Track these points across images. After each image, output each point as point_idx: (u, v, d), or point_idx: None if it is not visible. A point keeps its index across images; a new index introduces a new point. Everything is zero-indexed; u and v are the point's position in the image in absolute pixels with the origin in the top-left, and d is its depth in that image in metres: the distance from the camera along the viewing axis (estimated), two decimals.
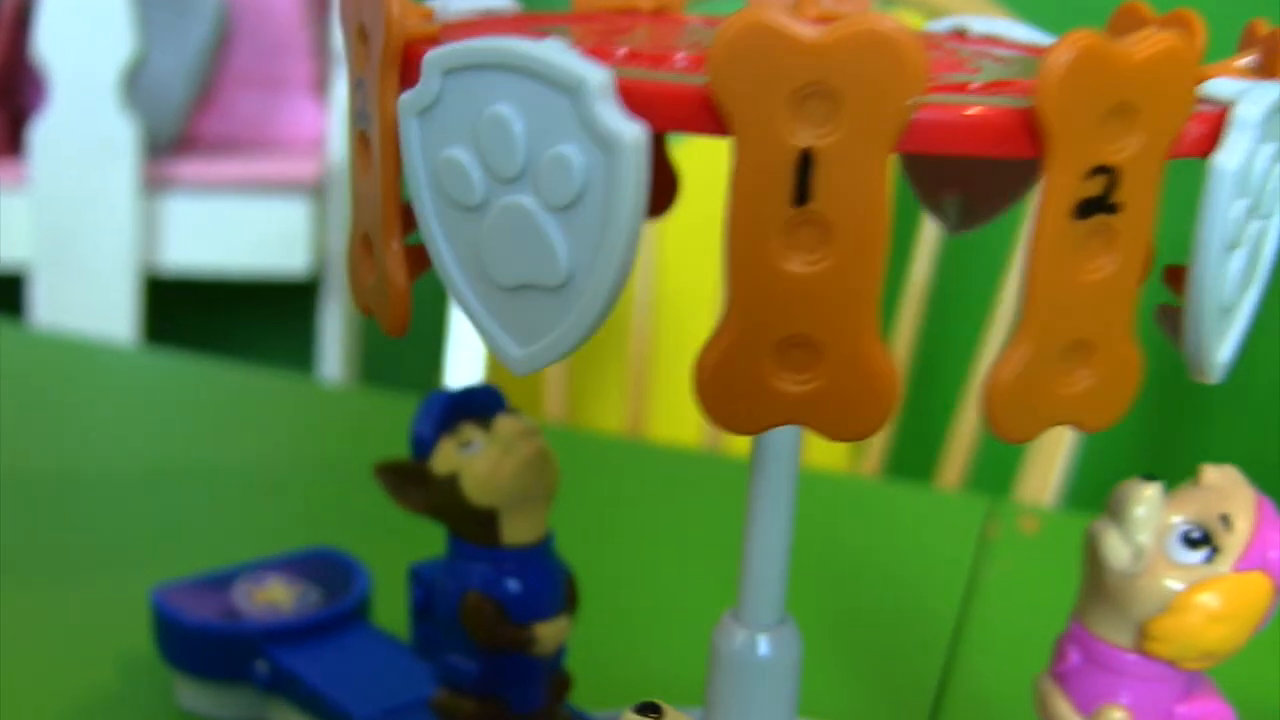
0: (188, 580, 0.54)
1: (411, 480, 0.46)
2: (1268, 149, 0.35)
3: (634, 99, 0.32)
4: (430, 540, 0.48)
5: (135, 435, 0.81)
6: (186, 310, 1.95)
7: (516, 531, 0.46)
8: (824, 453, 1.25)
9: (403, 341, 1.83)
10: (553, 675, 0.48)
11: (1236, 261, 0.35)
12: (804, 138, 0.30)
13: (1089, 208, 0.32)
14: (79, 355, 0.94)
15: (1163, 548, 0.40)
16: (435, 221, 0.35)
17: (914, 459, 1.43)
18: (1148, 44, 0.31)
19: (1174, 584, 0.40)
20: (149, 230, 1.68)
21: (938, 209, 0.48)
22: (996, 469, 1.18)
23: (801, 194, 0.31)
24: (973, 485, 1.08)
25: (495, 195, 0.33)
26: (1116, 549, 0.41)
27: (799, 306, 0.32)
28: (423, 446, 0.46)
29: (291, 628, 0.52)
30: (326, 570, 0.56)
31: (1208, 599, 0.40)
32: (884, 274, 0.32)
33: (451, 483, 0.45)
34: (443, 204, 0.34)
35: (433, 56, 0.33)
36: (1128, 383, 0.34)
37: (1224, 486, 0.41)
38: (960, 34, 0.45)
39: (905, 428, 1.35)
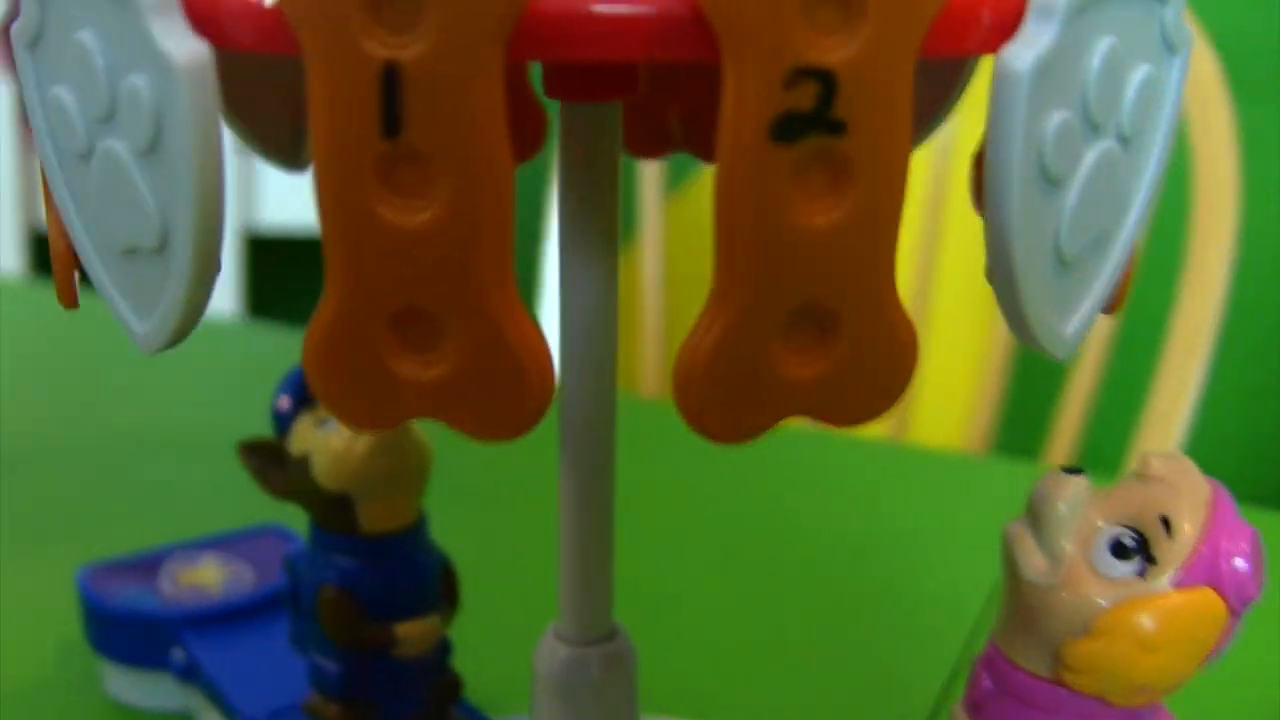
0: (122, 559, 0.49)
1: (271, 461, 0.40)
2: (1107, 42, 0.26)
3: (198, 11, 0.25)
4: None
5: (175, 399, 0.78)
6: (286, 272, 1.89)
7: (376, 519, 0.39)
8: (932, 429, 1.13)
9: None
10: (434, 678, 0.41)
11: (1066, 198, 0.26)
12: (384, 48, 0.23)
13: (795, 125, 0.23)
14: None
15: (1087, 556, 0.32)
16: (57, 175, 0.28)
17: (1025, 435, 1.28)
18: None
19: (1097, 601, 0.31)
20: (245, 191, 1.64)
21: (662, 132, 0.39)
22: (1110, 445, 1.05)
23: (392, 123, 0.23)
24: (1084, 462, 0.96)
25: (95, 140, 0.27)
26: (1029, 555, 0.32)
27: (403, 266, 0.24)
28: (282, 423, 0.40)
29: (205, 613, 0.47)
30: (270, 550, 0.50)
31: (1137, 620, 0.31)
32: (508, 227, 0.24)
33: (304, 464, 0.39)
34: (58, 153, 0.28)
35: None
36: (893, 365, 0.26)
37: (1170, 479, 0.32)
38: None
39: (1013, 401, 1.21)
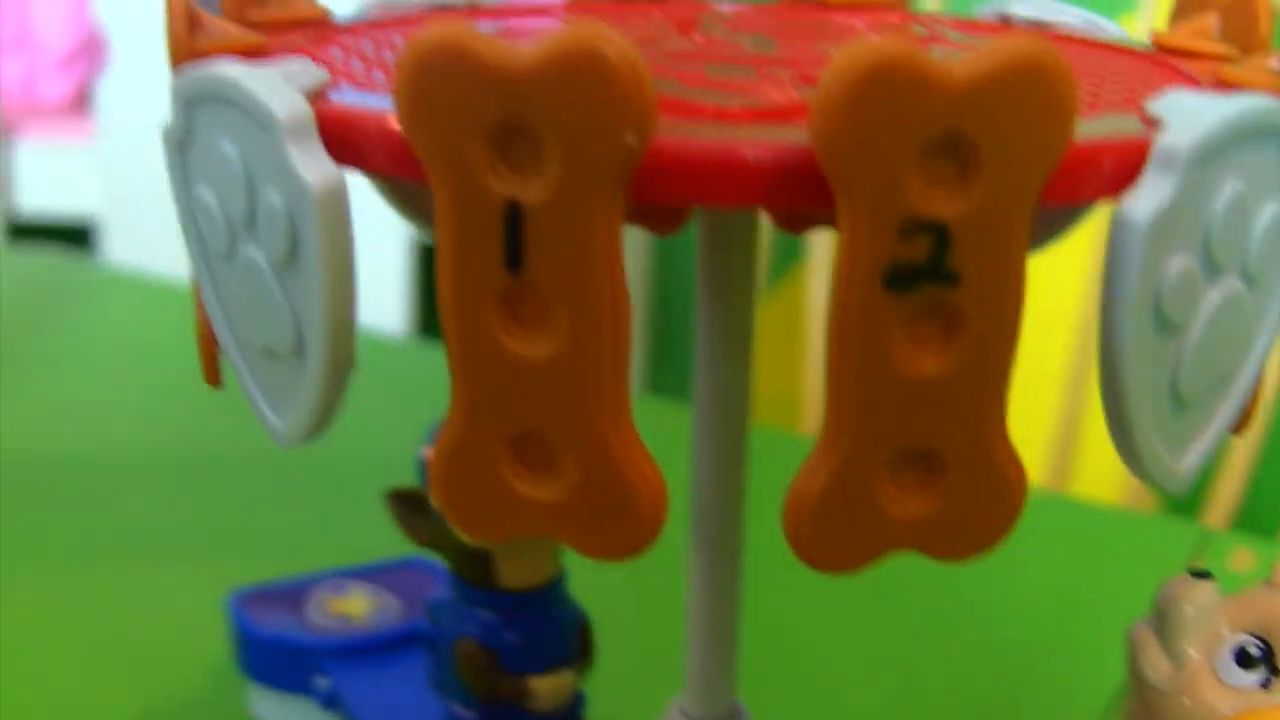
0: (272, 585, 0.51)
1: (415, 510, 0.41)
2: (1231, 185, 0.26)
3: (335, 135, 0.26)
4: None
5: (337, 419, 0.79)
6: None
7: (515, 575, 0.40)
8: (1094, 480, 1.11)
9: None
10: None
11: (1185, 341, 0.26)
12: (507, 187, 0.24)
13: (908, 277, 0.24)
14: None
15: (1211, 662, 0.32)
16: (203, 270, 0.29)
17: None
18: (982, 59, 0.23)
19: (1218, 709, 0.31)
20: None
21: None
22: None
23: (514, 258, 0.24)
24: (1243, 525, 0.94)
25: (236, 244, 0.28)
26: (1153, 658, 0.32)
27: (522, 394, 0.25)
28: (425, 471, 0.41)
29: (350, 644, 0.48)
30: (415, 583, 0.51)
31: None
32: (624, 361, 0.25)
33: (443, 516, 0.40)
34: (203, 250, 0.29)
35: (176, 85, 0.28)
36: (998, 505, 0.26)
37: None
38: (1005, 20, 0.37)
39: None
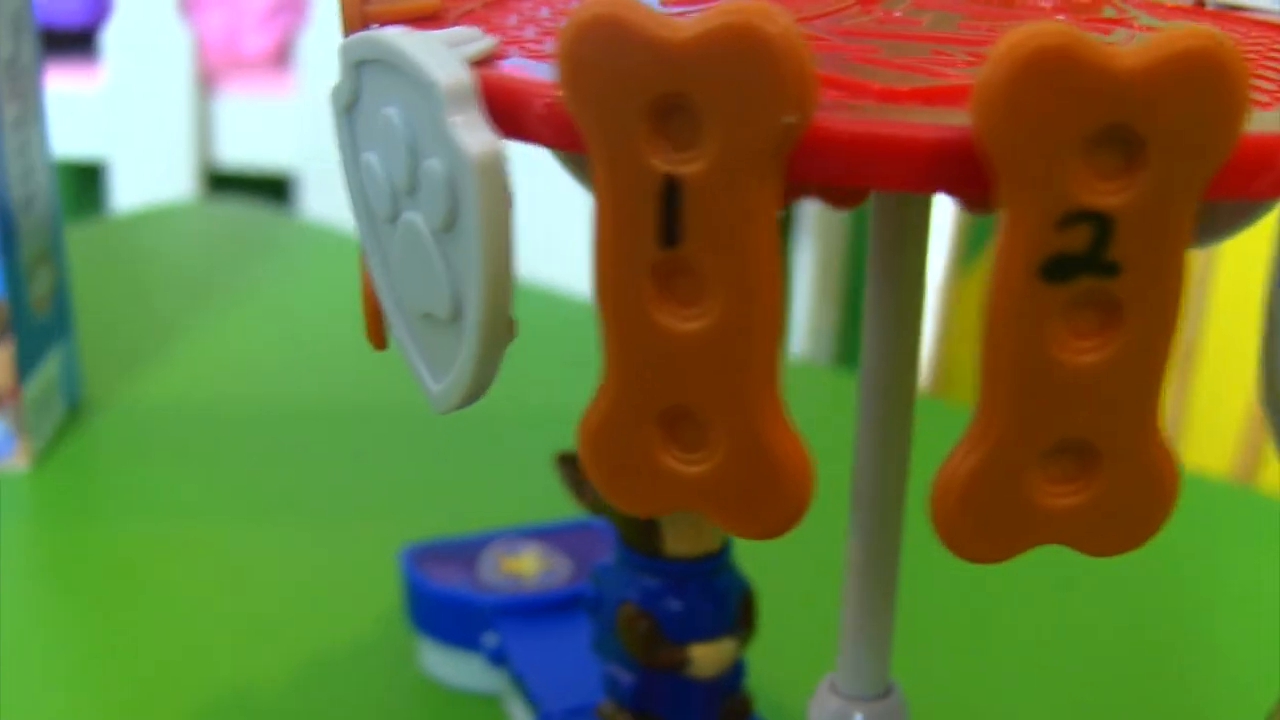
0: (445, 540, 0.52)
1: (583, 474, 0.42)
2: None
3: (497, 105, 0.26)
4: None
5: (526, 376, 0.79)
6: None
7: (680, 543, 0.41)
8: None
9: None
10: (725, 699, 0.42)
11: None
12: (665, 163, 0.24)
13: (1067, 267, 0.23)
14: None
15: None
16: (368, 233, 0.30)
17: None
18: (1150, 48, 0.22)
19: None
20: None
21: None
22: None
23: (670, 233, 0.24)
24: None
25: (399, 208, 0.28)
26: None
27: (673, 369, 0.25)
28: None
29: (519, 604, 0.49)
30: (588, 546, 0.52)
31: None
32: (776, 339, 0.24)
33: None
34: (368, 213, 0.30)
35: (344, 48, 0.29)
36: (1151, 500, 0.25)
37: None
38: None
39: None
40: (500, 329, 0.27)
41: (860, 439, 0.34)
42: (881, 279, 0.33)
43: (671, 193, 0.24)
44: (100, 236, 1.03)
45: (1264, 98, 0.26)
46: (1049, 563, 0.58)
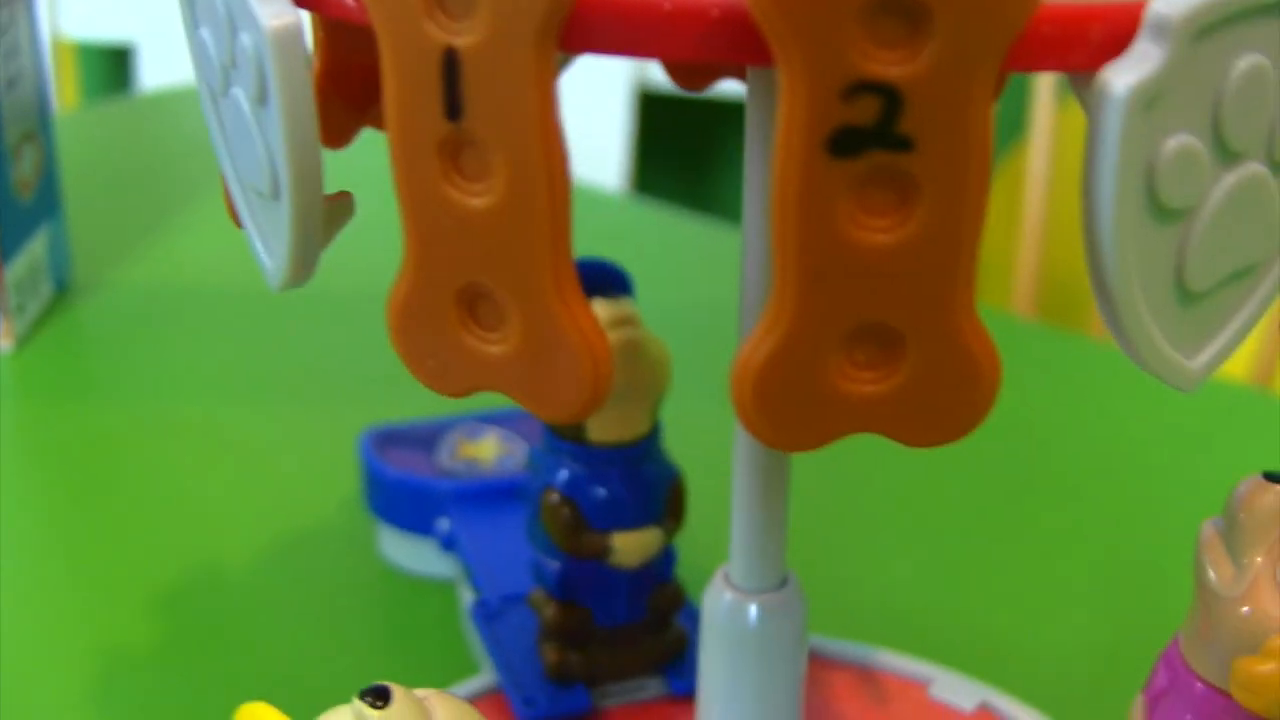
0: (406, 425, 0.52)
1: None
2: (1247, 60, 0.23)
3: None
4: None
5: None
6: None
7: (603, 429, 0.40)
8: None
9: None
10: (654, 589, 0.42)
11: (1190, 230, 0.24)
12: (443, 32, 0.23)
13: (854, 140, 0.22)
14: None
15: (1276, 570, 0.30)
16: (209, 109, 0.29)
17: None
18: None
19: (1276, 618, 0.29)
20: None
21: None
22: None
23: (453, 106, 0.24)
24: None
25: (228, 83, 0.28)
26: (1217, 562, 0.31)
27: (465, 245, 0.24)
28: None
29: (471, 489, 0.48)
30: None
31: None
32: (563, 214, 0.24)
33: None
34: (208, 89, 0.29)
35: None
36: (965, 389, 0.24)
37: None
38: None
39: None
40: (310, 207, 0.26)
41: (743, 321, 0.33)
42: (759, 162, 0.32)
43: (451, 65, 0.23)
44: (115, 118, 1.03)
45: None
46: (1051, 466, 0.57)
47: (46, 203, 0.69)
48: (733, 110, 1.63)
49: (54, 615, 0.48)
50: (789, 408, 0.24)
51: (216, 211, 0.79)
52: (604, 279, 0.39)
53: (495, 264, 0.24)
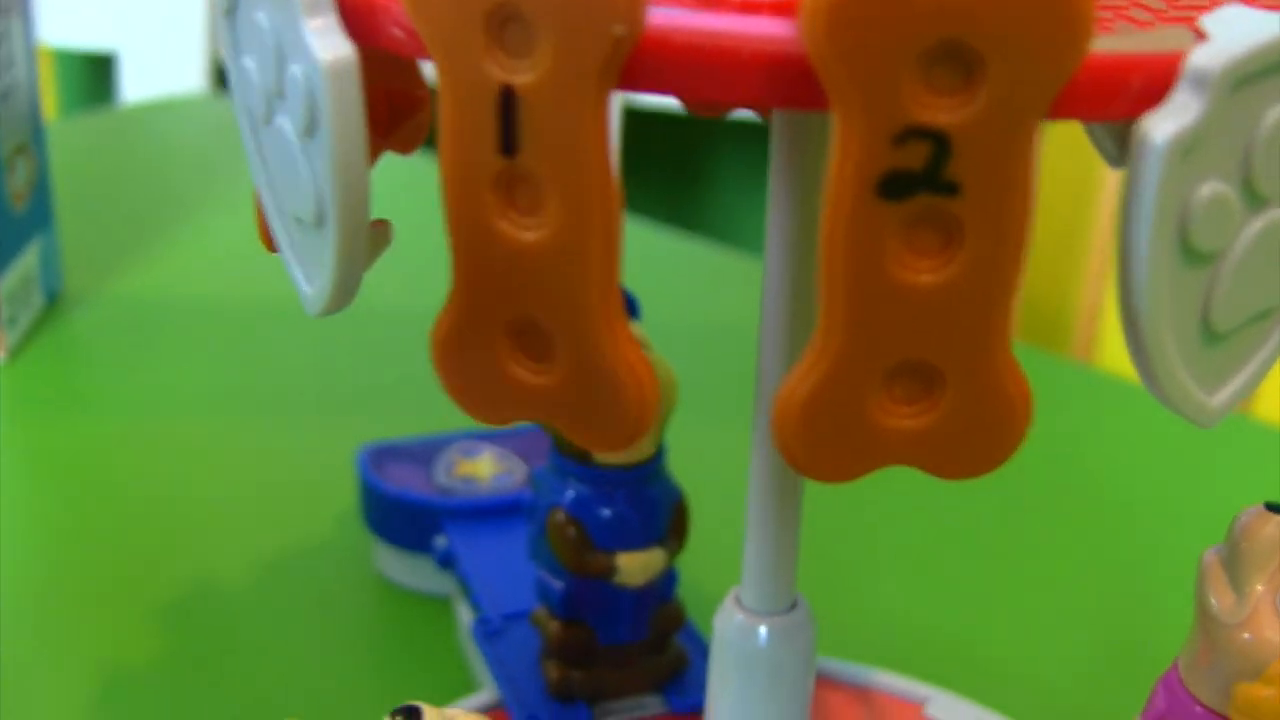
0: (403, 441, 0.52)
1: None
2: (1276, 110, 0.24)
3: (351, 12, 0.26)
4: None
5: None
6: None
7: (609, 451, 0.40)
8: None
9: None
10: (656, 609, 0.42)
11: (1218, 273, 0.25)
12: (502, 71, 0.24)
13: (903, 184, 0.23)
14: None
15: (1277, 598, 0.30)
16: (248, 135, 0.30)
17: None
18: None
19: (1277, 647, 0.30)
20: None
21: None
22: None
23: (508, 142, 0.24)
24: None
25: (272, 111, 0.28)
26: (1218, 589, 0.31)
27: (516, 279, 0.25)
28: None
29: (469, 506, 0.49)
30: (547, 450, 0.52)
31: None
32: (613, 250, 0.24)
33: None
34: (248, 115, 0.29)
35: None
36: (999, 424, 0.25)
37: None
38: None
39: None
40: (357, 235, 0.27)
41: (763, 351, 0.33)
42: (783, 198, 0.32)
43: (508, 102, 0.24)
44: (102, 128, 1.03)
45: (1108, 14, 0.25)
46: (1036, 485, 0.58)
47: (38, 214, 0.69)
48: (719, 129, 1.64)
49: (47, 628, 0.48)
50: (830, 442, 0.25)
51: (208, 223, 0.79)
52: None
53: (546, 297, 0.25)
